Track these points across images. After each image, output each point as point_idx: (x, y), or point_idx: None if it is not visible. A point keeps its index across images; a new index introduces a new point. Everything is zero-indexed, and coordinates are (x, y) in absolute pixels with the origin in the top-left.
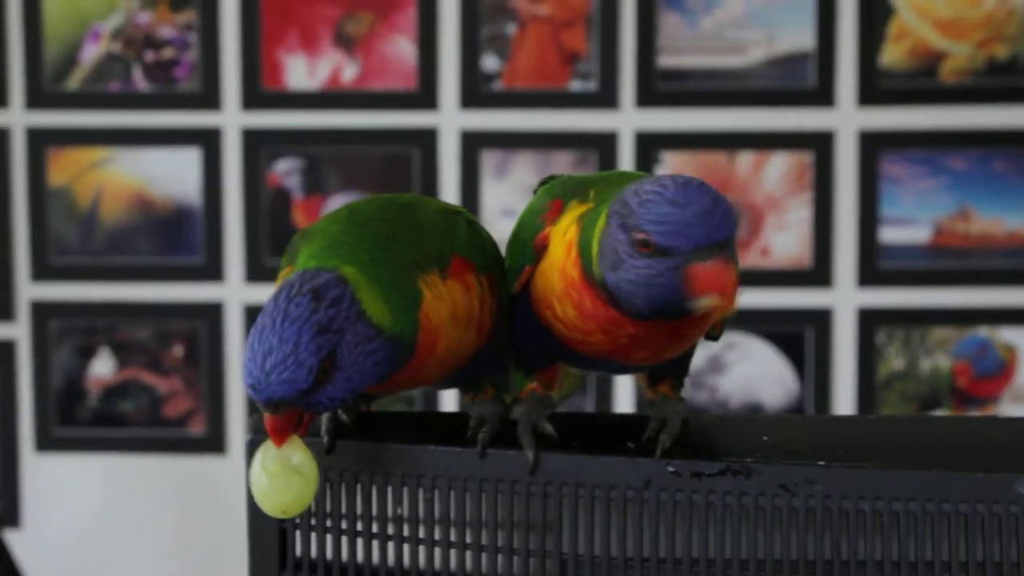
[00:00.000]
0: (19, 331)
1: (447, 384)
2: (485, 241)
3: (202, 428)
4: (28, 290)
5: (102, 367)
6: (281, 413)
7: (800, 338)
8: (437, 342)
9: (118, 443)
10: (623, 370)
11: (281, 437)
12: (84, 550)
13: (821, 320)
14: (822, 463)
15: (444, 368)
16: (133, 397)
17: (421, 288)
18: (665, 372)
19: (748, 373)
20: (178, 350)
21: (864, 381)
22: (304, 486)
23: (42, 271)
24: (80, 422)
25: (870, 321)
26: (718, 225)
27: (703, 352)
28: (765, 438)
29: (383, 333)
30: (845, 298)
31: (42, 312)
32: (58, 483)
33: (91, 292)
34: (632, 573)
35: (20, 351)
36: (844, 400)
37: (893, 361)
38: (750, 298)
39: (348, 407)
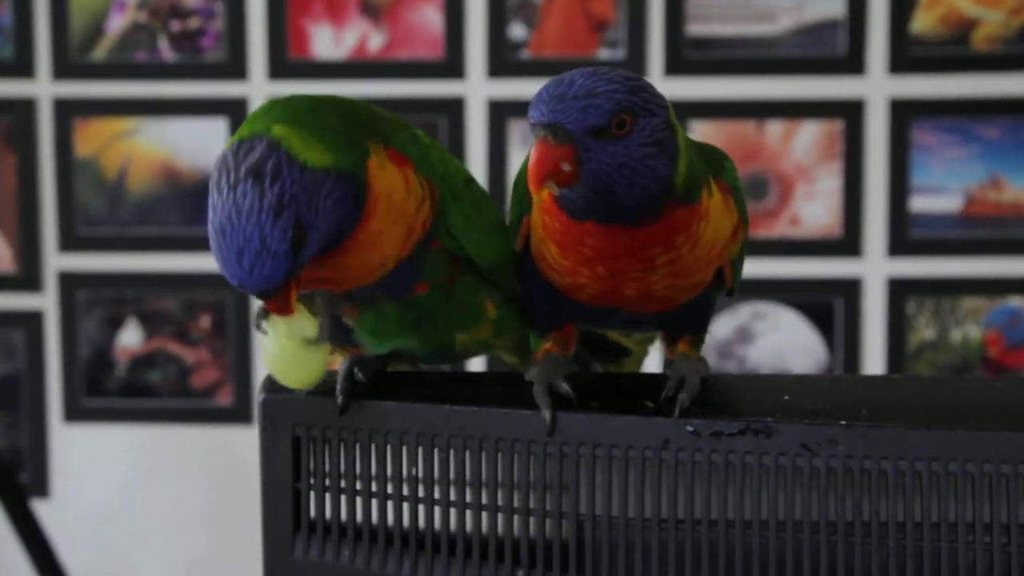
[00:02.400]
0: (47, 302)
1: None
2: (431, 154)
3: (229, 399)
4: (55, 261)
5: (130, 338)
6: (276, 295)
7: (829, 308)
8: (378, 207)
9: (146, 414)
10: (634, 324)
11: (287, 310)
12: (112, 521)
13: (851, 290)
14: (844, 422)
15: (375, 257)
16: (161, 368)
17: (368, 147)
18: (681, 327)
19: (777, 343)
20: (205, 320)
21: (894, 351)
22: (320, 355)
23: (69, 242)
24: (108, 393)
25: (900, 291)
26: (553, 109)
27: (731, 322)
28: (787, 397)
29: (331, 172)
30: (875, 267)
31: (70, 283)
32: (86, 454)
33: (118, 263)
34: (650, 535)
35: (48, 322)
36: (874, 370)
37: (923, 331)
38: (779, 267)
39: (364, 365)
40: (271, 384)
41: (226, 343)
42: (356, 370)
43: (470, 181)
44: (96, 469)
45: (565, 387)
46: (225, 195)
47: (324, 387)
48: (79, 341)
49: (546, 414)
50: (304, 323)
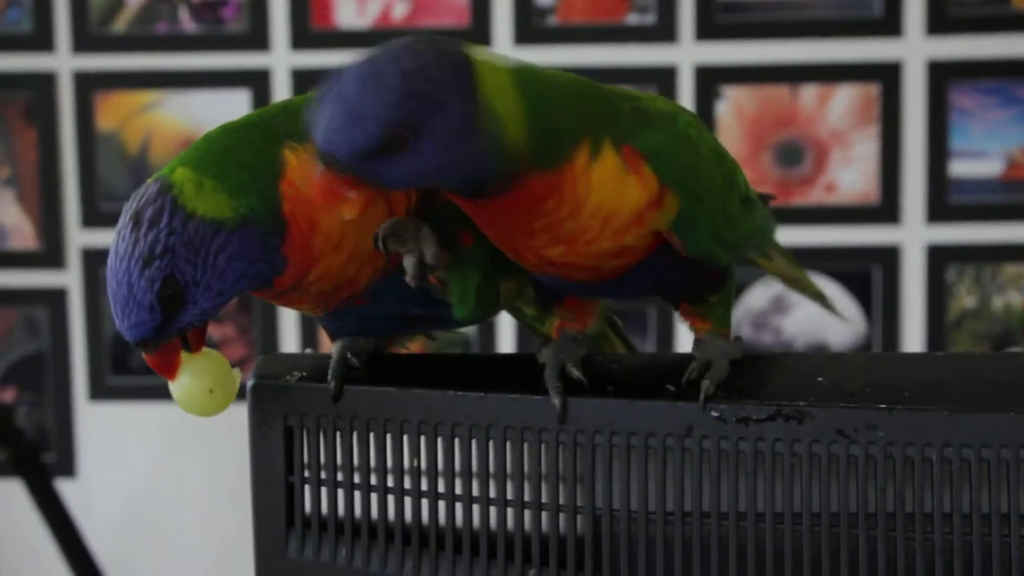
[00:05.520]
0: (70, 279)
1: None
2: None
3: None
4: (78, 237)
5: None
6: (154, 350)
7: (867, 276)
8: (317, 216)
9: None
10: (596, 292)
11: (169, 371)
12: (139, 499)
13: (889, 257)
14: (884, 406)
15: (357, 258)
16: None
17: (285, 157)
18: (678, 293)
19: (813, 313)
20: None
21: (934, 320)
22: (215, 402)
23: (92, 217)
24: (133, 370)
25: (940, 258)
26: (325, 134)
27: (766, 292)
28: (821, 379)
29: (226, 225)
30: (914, 234)
31: (93, 259)
32: (112, 432)
33: None
34: (672, 530)
35: (72, 299)
36: (913, 340)
37: (964, 299)
38: (814, 236)
39: (359, 349)
40: (261, 368)
41: (252, 319)
42: (350, 354)
43: None
44: (122, 448)
45: (576, 372)
46: (114, 239)
47: (317, 372)
48: (103, 318)
49: (556, 400)
50: (200, 369)
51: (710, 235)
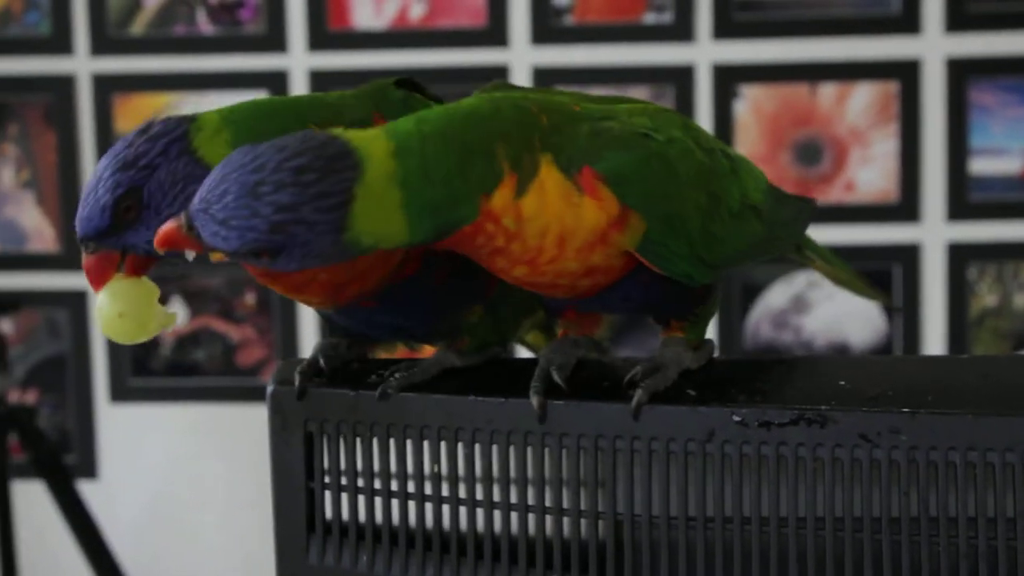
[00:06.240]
0: None
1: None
2: None
3: None
4: None
5: None
6: (91, 253)
7: (888, 275)
8: None
9: (192, 392)
10: (597, 307)
11: (94, 279)
12: (160, 500)
13: (909, 256)
14: (907, 410)
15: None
16: (206, 346)
17: None
18: (666, 311)
19: (833, 312)
20: (250, 298)
21: (955, 319)
22: (124, 327)
23: None
24: (154, 372)
25: (960, 256)
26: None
27: (787, 291)
28: (843, 382)
29: None
30: (934, 233)
31: None
32: (133, 434)
33: None
34: (694, 535)
35: (93, 301)
36: (934, 339)
37: (985, 297)
38: (835, 234)
39: (334, 353)
40: (281, 374)
41: (271, 320)
42: (321, 357)
43: None
44: (143, 449)
45: (557, 376)
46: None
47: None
48: None
49: (534, 400)
50: (120, 294)
51: (686, 257)
